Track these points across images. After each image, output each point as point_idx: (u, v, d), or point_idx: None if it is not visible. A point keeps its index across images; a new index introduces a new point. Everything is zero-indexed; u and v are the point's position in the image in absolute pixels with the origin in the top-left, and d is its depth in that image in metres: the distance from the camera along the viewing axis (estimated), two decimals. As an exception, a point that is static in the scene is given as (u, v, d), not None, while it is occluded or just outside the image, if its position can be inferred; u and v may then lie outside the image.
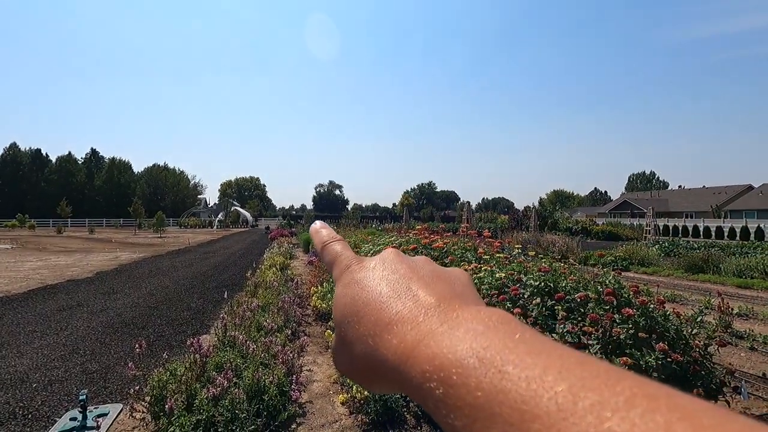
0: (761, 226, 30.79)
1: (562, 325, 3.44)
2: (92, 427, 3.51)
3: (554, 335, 3.42)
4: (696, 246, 18.29)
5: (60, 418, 3.72)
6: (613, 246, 17.68)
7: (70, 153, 64.27)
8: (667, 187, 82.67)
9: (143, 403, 3.43)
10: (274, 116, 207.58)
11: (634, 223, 37.27)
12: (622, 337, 3.29)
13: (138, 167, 73.28)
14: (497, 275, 4.48)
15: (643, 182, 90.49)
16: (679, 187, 70.11)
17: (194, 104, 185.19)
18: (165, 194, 68.19)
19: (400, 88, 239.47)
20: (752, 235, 29.83)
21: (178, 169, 74.23)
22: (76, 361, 5.08)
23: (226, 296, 8.79)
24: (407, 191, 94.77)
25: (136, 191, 62.90)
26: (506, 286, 4.42)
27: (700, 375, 3.41)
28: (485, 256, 5.97)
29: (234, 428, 3.09)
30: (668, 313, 3.74)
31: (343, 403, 3.95)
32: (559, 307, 3.64)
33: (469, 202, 27.62)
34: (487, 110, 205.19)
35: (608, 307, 3.60)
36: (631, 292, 3.91)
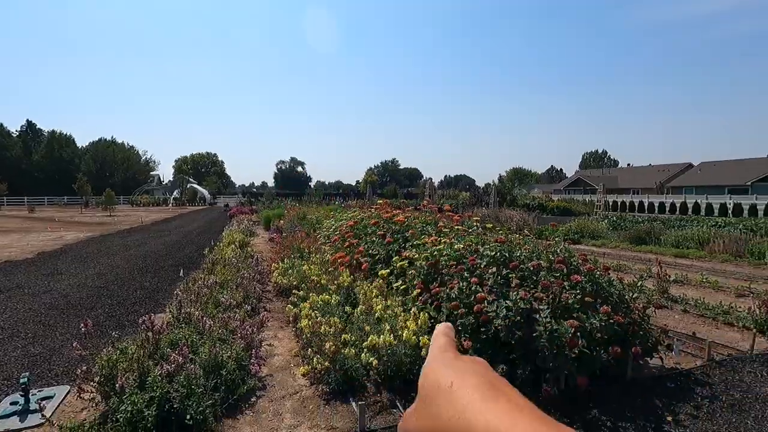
0: (698, 201, 33.19)
1: (515, 293, 3.57)
2: (35, 410, 3.34)
3: (508, 302, 3.55)
4: (641, 220, 19.47)
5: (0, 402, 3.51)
6: (567, 221, 18.52)
7: (1, 125, 58.82)
8: (617, 164, 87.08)
9: (92, 383, 3.29)
10: (232, 91, 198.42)
11: (586, 199, 39.16)
12: (570, 301, 3.46)
13: (82, 142, 68.33)
14: (456, 246, 4.58)
15: (596, 160, 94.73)
16: (628, 165, 73.98)
17: (144, 77, 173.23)
18: (114, 170, 64.03)
19: (363, 65, 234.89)
20: (690, 210, 32.14)
21: (127, 144, 69.72)
22: (17, 345, 4.77)
23: (182, 274, 8.54)
24: (371, 168, 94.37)
25: (81, 167, 58.64)
26: (464, 257, 4.53)
27: (638, 335, 3.67)
28: (445, 230, 6.07)
29: (191, 403, 3.03)
30: (612, 279, 3.97)
31: (303, 375, 3.96)
32: (513, 275, 3.78)
33: (431, 179, 27.95)
34: (449, 89, 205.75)
35: (559, 274, 3.77)
36: (580, 261, 4.11)
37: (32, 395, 3.51)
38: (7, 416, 3.31)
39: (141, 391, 3.07)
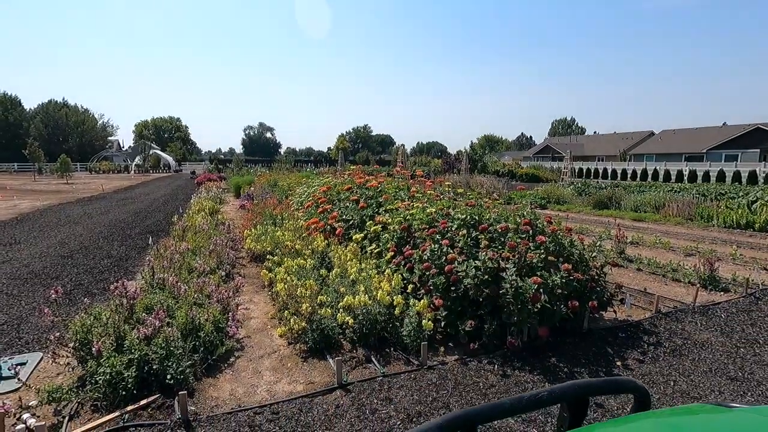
0: (657, 168, 34.78)
1: (484, 253, 3.75)
2: (9, 377, 3.33)
3: (477, 262, 3.73)
4: (604, 186, 20.28)
5: (-31, 371, 3.45)
6: (535, 187, 19.09)
7: (-64, 84, 53.66)
8: (584, 132, 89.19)
9: (66, 348, 3.28)
10: (195, 50, 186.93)
11: (554, 166, 40.25)
12: (535, 261, 3.67)
13: (29, 104, 63.49)
14: (428, 210, 4.70)
15: (564, 128, 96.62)
16: (594, 132, 76.09)
17: (95, 33, 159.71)
18: (67, 135, 60.14)
19: (333, 28, 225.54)
20: (649, 176, 33.70)
21: (81, 107, 65.25)
22: (-20, 314, 4.64)
23: (151, 242, 8.37)
24: (342, 134, 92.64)
25: (30, 131, 54.84)
26: (436, 221, 4.67)
27: (595, 290, 3.95)
28: (417, 195, 6.18)
29: (170, 364, 3.10)
30: (574, 240, 4.20)
31: (281, 336, 4.08)
32: (483, 237, 3.95)
33: (403, 145, 27.85)
34: (421, 55, 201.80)
35: (525, 235, 3.96)
36: (545, 222, 4.31)
37: (3, 362, 3.48)
38: (-21, 383, 3.28)
39: (119, 354, 3.10)
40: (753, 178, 27.23)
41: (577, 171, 37.99)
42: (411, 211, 5.08)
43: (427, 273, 4.00)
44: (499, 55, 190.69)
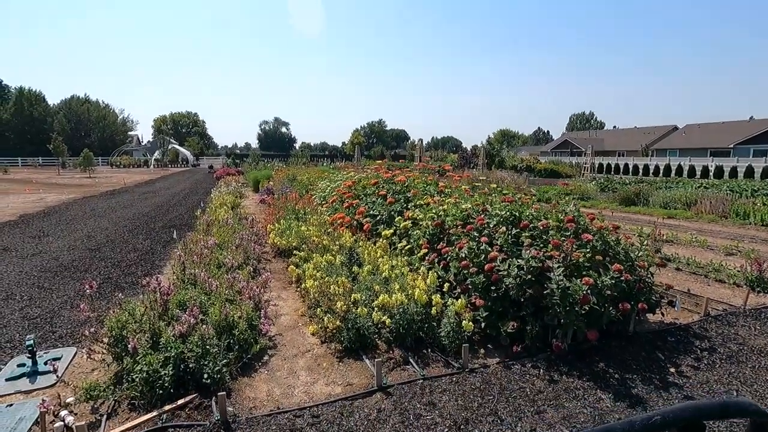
0: (681, 163, 33.77)
1: (527, 252, 3.57)
2: (46, 372, 3.30)
3: (519, 261, 3.56)
4: (628, 182, 19.75)
5: (5, 365, 3.45)
6: (555, 183, 18.70)
7: (-37, 81, 55.26)
8: (603, 127, 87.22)
9: (101, 344, 3.24)
10: (211, 47, 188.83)
11: (573, 162, 39.42)
12: (581, 260, 3.48)
13: (53, 99, 64.88)
14: (463, 206, 4.53)
15: (582, 122, 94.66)
16: (614, 127, 74.28)
17: (116, 30, 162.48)
18: (89, 130, 61.32)
19: (346, 23, 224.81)
20: (673, 172, 32.75)
21: (103, 102, 66.41)
22: (14, 307, 4.66)
23: (175, 236, 8.39)
24: (357, 129, 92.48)
25: (54, 126, 56.06)
26: (471, 217, 4.50)
27: (643, 292, 3.74)
28: (447, 190, 6.01)
29: (206, 363, 3.02)
30: (619, 238, 3.99)
31: (313, 334, 3.98)
32: (524, 235, 3.77)
33: (421, 140, 27.56)
34: (437, 50, 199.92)
35: (569, 233, 3.77)
36: (588, 220, 4.11)
37: (39, 357, 3.45)
38: (16, 378, 3.26)
39: (154, 351, 3.03)
40: (784, 174, 26.20)
41: (597, 166, 37.16)
42: (443, 207, 4.92)
43: (465, 271, 3.84)
44: (516, 49, 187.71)
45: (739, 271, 5.63)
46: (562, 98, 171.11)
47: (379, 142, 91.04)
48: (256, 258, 6.23)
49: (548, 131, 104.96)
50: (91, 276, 5.81)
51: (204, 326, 3.19)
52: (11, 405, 2.95)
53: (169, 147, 53.29)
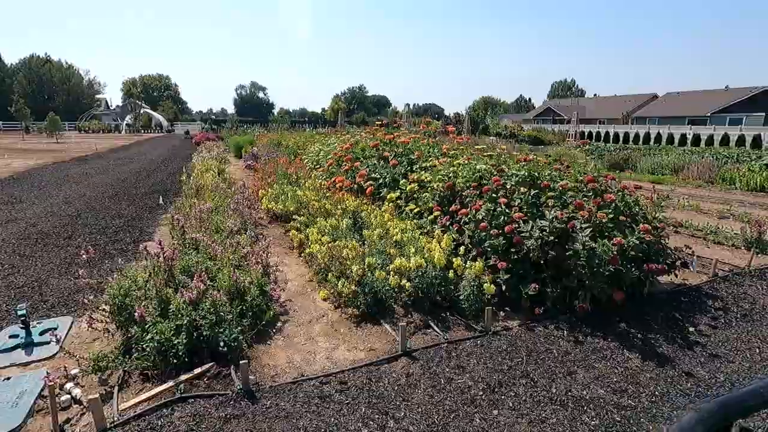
0: (660, 131, 34.29)
1: (550, 212, 3.45)
2: (43, 342, 3.07)
3: (542, 222, 3.45)
4: (612, 149, 19.92)
5: (-5, 336, 3.19)
6: (541, 149, 18.66)
7: None
8: (584, 94, 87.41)
9: (103, 312, 3.01)
10: (183, 6, 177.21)
11: (555, 129, 39.55)
12: (605, 220, 3.39)
13: (8, 59, 60.28)
14: (478, 167, 4.36)
15: (564, 90, 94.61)
16: (594, 95, 74.43)
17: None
18: (53, 93, 57.51)
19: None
20: (652, 140, 33.25)
21: (66, 63, 62.15)
22: (-4, 276, 4.33)
23: (161, 201, 8.01)
24: (337, 95, 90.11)
25: (15, 88, 52.43)
26: (484, 178, 4.34)
27: (662, 252, 3.70)
28: (451, 152, 5.82)
29: (222, 330, 2.83)
30: (638, 198, 3.91)
31: (324, 299, 3.83)
32: (549, 195, 3.64)
33: (408, 104, 26.97)
34: (417, 15, 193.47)
35: (591, 193, 3.66)
36: (606, 180, 4.01)
37: (33, 327, 3.20)
38: (10, 350, 3.02)
39: (163, 319, 2.82)
40: (757, 142, 26.90)
41: (579, 134, 37.40)
42: (453, 168, 4.74)
43: (483, 234, 3.71)
44: (497, 16, 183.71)
45: (736, 234, 5.72)
46: (544, 66, 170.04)
47: (360, 108, 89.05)
48: (253, 223, 5.96)
49: (530, 99, 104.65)
50: (76, 243, 5.46)
51: (216, 293, 2.99)
52: (8, 378, 2.72)
53: (142, 111, 50.75)
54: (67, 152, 19.93)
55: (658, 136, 33.52)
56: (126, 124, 46.68)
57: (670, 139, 32.44)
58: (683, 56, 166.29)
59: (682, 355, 2.97)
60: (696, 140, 30.59)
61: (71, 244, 5.43)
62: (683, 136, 31.95)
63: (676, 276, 4.13)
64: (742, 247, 5.43)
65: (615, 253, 3.10)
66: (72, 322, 3.42)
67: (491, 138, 19.65)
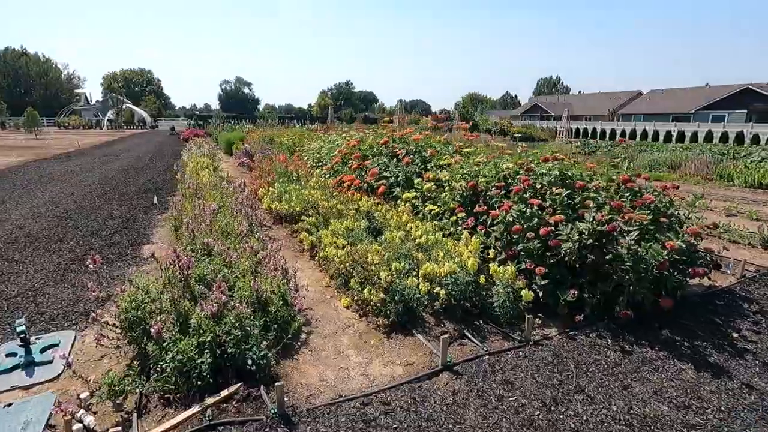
0: (646, 128, 34.75)
1: (590, 215, 3.28)
2: (45, 362, 2.77)
3: (582, 224, 3.27)
4: (604, 146, 20.04)
5: (-9, 356, 2.87)
6: (532, 146, 18.65)
7: None
8: (569, 91, 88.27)
9: (113, 327, 2.72)
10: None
11: (543, 126, 39.79)
12: (645, 222, 3.23)
13: (-18, 52, 57.81)
14: (504, 166, 4.17)
15: (549, 87, 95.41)
16: (579, 92, 75.23)
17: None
18: (30, 87, 55.40)
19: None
20: (638, 136, 33.67)
21: (43, 56, 59.94)
22: (-16, 285, 3.98)
23: (155, 201, 7.64)
24: (324, 91, 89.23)
25: (-12, 82, 50.41)
26: (510, 177, 4.15)
27: (699, 255, 3.57)
28: (465, 150, 5.62)
29: (248, 347, 2.58)
30: (673, 199, 3.78)
31: (347, 307, 3.60)
32: (590, 195, 3.47)
33: (401, 100, 26.74)
34: (402, 12, 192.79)
35: (628, 194, 3.51)
36: (643, 180, 3.86)
37: (32, 344, 2.90)
38: (8, 371, 2.71)
39: (183, 336, 2.56)
40: (740, 138, 27.42)
41: (568, 131, 37.67)
42: (474, 167, 4.54)
43: (516, 236, 3.53)
44: (483, 14, 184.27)
45: (751, 232, 5.67)
46: (530, 63, 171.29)
47: (348, 104, 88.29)
48: (258, 224, 5.68)
49: (516, 95, 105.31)
50: (70, 247, 5.11)
51: (240, 305, 2.73)
52: (9, 405, 2.43)
53: (124, 107, 49.35)
54: (48, 149, 19.16)
55: (644, 133, 33.92)
56: (108, 120, 45.33)
57: (656, 135, 32.88)
58: (665, 55, 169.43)
59: (735, 364, 2.83)
60: (680, 137, 31.06)
61: (63, 248, 5.07)
62: (668, 133, 32.43)
63: (709, 279, 4.01)
64: (759, 246, 5.37)
65: (666, 257, 2.94)
66: (75, 337, 3.12)
67: (483, 135, 19.55)
